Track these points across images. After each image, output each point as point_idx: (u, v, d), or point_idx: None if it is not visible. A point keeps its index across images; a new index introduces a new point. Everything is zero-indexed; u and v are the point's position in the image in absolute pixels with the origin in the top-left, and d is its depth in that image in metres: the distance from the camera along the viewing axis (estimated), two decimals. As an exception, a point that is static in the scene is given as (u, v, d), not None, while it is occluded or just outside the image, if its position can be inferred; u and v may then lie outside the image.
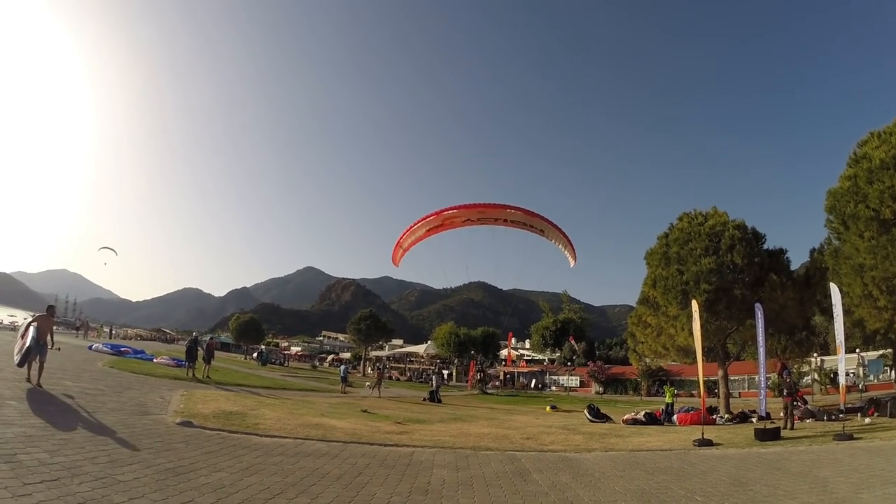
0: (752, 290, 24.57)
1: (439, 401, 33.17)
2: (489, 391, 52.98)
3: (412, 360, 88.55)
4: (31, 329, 13.22)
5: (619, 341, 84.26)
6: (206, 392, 19.53)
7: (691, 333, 22.39)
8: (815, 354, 41.19)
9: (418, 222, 30.02)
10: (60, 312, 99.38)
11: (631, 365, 52.51)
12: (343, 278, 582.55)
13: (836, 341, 17.99)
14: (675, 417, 23.15)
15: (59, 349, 15.38)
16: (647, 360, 39.66)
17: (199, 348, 27.34)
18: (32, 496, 5.67)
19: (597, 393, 60.03)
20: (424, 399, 33.83)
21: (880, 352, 40.46)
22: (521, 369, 77.66)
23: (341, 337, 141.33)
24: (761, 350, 23.49)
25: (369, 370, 50.06)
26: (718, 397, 27.68)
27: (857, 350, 40.15)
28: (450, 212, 29.37)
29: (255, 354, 69.07)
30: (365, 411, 21.03)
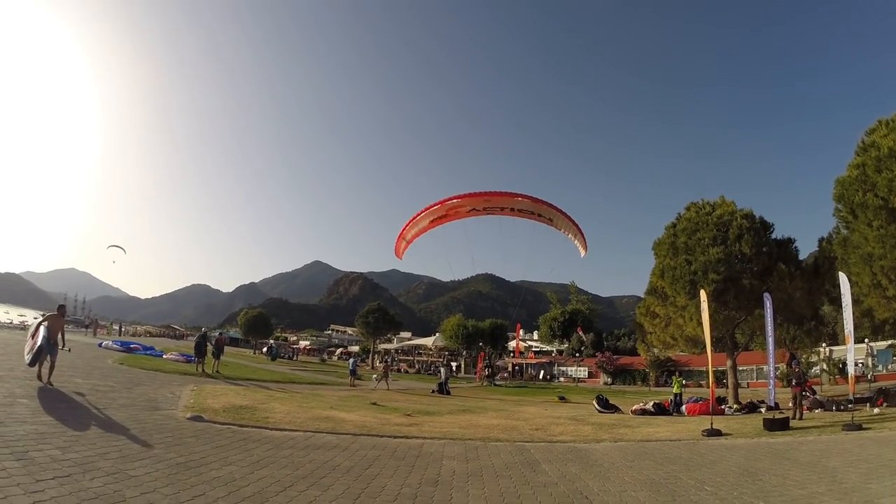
0: (761, 280, 24.45)
1: (448, 393, 33.23)
2: (498, 383, 53.00)
3: (420, 353, 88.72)
4: (42, 328, 13.26)
5: (627, 332, 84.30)
6: (215, 387, 19.63)
7: (700, 323, 22.33)
8: (824, 344, 40.98)
9: (422, 212, 29.45)
10: (70, 311, 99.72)
11: (639, 355, 52.43)
12: (351, 272, 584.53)
13: (845, 331, 17.85)
14: (683, 408, 23.09)
15: (69, 350, 15.42)
16: (656, 351, 39.58)
17: (208, 344, 27.45)
18: (45, 492, 5.71)
19: (605, 384, 60.01)
20: (433, 391, 33.88)
21: (889, 342, 40.21)
22: (529, 361, 77.68)
23: (349, 330, 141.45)
24: (770, 340, 23.39)
25: (378, 363, 50.26)
26: (727, 387, 27.59)
27: (866, 340, 39.93)
28: (454, 201, 28.66)
29: (265, 349, 69.27)
30: (374, 404, 21.08)
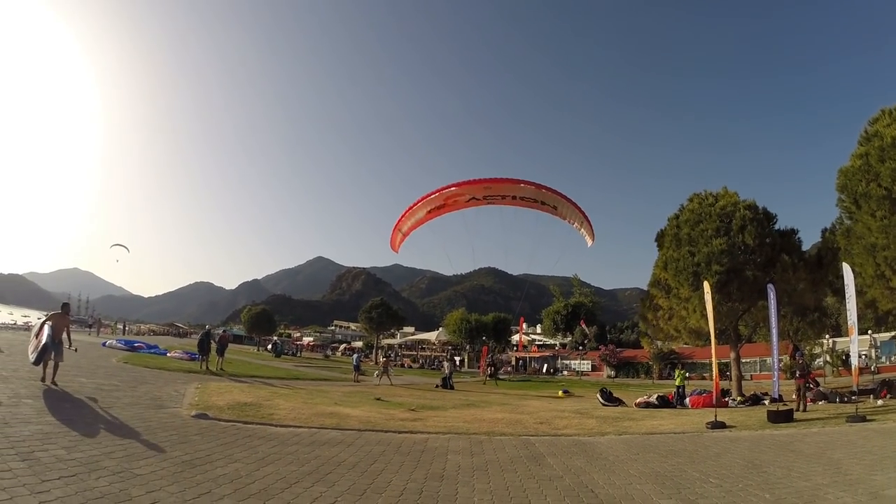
0: (764, 271, 24.39)
1: (452, 387, 33.26)
2: (501, 377, 53.02)
3: (424, 348, 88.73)
4: (46, 327, 13.20)
5: (630, 325, 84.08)
6: (220, 384, 19.67)
7: (703, 315, 22.34)
8: (828, 336, 40.94)
9: (418, 203, 27.88)
10: (73, 311, 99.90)
11: (642, 348, 52.37)
12: (353, 267, 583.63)
13: (849, 322, 17.83)
14: (687, 400, 23.11)
15: (76, 349, 15.43)
16: (659, 343, 39.55)
17: (211, 341, 27.51)
18: (51, 492, 5.72)
19: (608, 377, 59.94)
20: (437, 386, 33.90)
21: (893, 333, 40.11)
22: (532, 354, 77.67)
23: (353, 326, 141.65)
24: (774, 331, 23.30)
25: (381, 358, 50.45)
26: (731, 380, 27.57)
27: (870, 331, 39.87)
28: (452, 189, 27.05)
29: (269, 346, 69.41)
30: (378, 399, 21.11)
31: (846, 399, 20.87)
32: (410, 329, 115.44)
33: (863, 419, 14.96)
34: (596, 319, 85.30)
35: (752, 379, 42.99)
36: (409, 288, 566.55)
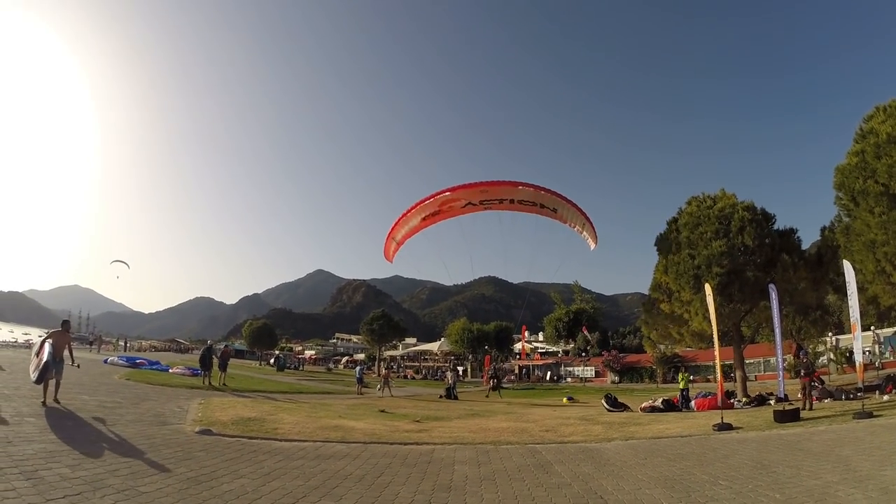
0: (765, 272, 24.39)
1: (456, 397, 33.17)
2: (505, 385, 52.85)
3: (426, 358, 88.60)
4: (47, 345, 13.08)
5: (632, 329, 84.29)
6: (223, 399, 19.60)
7: (706, 318, 22.29)
8: (830, 334, 40.92)
9: (412, 209, 26.63)
10: (74, 328, 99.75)
11: (645, 353, 52.31)
12: (353, 280, 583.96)
13: (851, 319, 17.83)
14: (692, 403, 23.01)
15: (78, 366, 15.36)
16: (662, 347, 39.47)
17: (213, 356, 27.45)
18: (56, 511, 5.69)
19: (612, 382, 59.84)
20: (441, 396, 33.79)
21: (895, 328, 40.17)
22: (535, 362, 77.51)
23: (354, 338, 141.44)
24: (777, 331, 23.33)
25: (382, 370, 50.29)
26: (735, 381, 27.50)
27: (872, 327, 39.88)
28: (446, 194, 25.73)
29: (272, 360, 69.31)
30: (383, 411, 21.03)
31: (852, 396, 20.81)
32: (412, 340, 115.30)
33: (870, 415, 14.91)
34: (598, 325, 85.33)
35: (756, 379, 42.96)
36: (410, 299, 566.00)
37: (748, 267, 24.28)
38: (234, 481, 7.72)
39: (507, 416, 21.46)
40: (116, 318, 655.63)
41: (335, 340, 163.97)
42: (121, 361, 32.69)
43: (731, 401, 22.47)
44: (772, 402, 21.85)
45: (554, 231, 28.19)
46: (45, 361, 12.56)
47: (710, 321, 18.78)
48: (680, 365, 51.57)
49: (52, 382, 12.94)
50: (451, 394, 33.56)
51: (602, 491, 7.84)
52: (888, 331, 42.05)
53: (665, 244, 27.79)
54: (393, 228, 27.60)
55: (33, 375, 13.03)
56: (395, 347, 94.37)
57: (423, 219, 26.80)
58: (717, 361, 19.04)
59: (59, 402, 12.86)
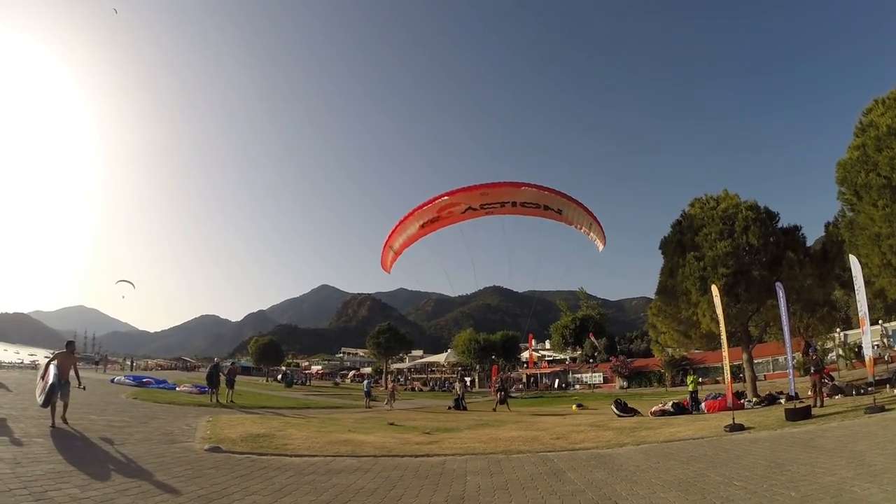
0: (771, 270, 24.36)
1: (465, 408, 33.05)
2: (513, 395, 52.63)
3: (433, 370, 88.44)
4: (52, 367, 13.06)
5: (639, 334, 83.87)
6: (231, 416, 19.55)
7: (713, 319, 22.24)
8: (838, 330, 40.79)
9: (409, 216, 25.37)
10: (80, 348, 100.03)
11: (653, 357, 52.18)
12: (358, 293, 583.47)
13: (860, 313, 17.73)
14: (702, 405, 22.91)
15: (84, 388, 15.30)
16: (670, 351, 39.32)
17: (220, 374, 27.40)
18: (68, 533, 5.65)
19: (621, 388, 59.67)
20: (450, 407, 33.70)
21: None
22: (543, 370, 77.33)
23: (360, 352, 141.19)
24: (786, 329, 23.25)
25: (389, 383, 50.16)
26: (744, 381, 27.40)
27: (880, 321, 39.75)
28: (444, 199, 24.41)
29: (279, 376, 69.32)
30: (392, 424, 20.93)
31: (862, 391, 20.75)
32: (419, 352, 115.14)
33: (881, 409, 14.83)
34: (604, 331, 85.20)
35: (765, 379, 42.87)
36: (416, 311, 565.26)
37: (754, 266, 24.26)
38: (245, 498, 7.68)
39: (517, 425, 21.35)
40: (122, 337, 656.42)
41: (342, 355, 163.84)
42: (128, 381, 32.63)
43: (742, 401, 22.38)
44: (782, 400, 21.74)
45: (559, 236, 27.51)
46: (51, 384, 12.52)
47: (717, 322, 18.71)
48: (688, 367, 51.44)
49: (59, 404, 12.89)
50: (459, 404, 33.45)
51: (616, 496, 7.77)
52: (895, 324, 41.98)
53: (670, 247, 27.82)
54: (390, 236, 26.47)
55: (39, 399, 13.00)
56: (402, 360, 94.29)
57: (422, 226, 25.71)
58: (726, 362, 18.98)
59: (67, 422, 12.83)
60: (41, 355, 61.27)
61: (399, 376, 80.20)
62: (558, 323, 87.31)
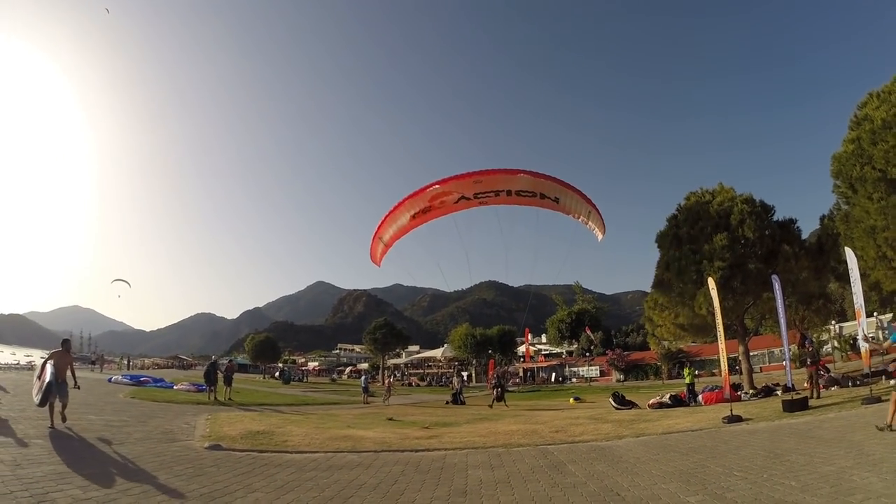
0: (766, 263, 24.45)
1: (463, 402, 33.06)
2: (510, 389, 52.66)
3: (430, 365, 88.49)
4: (49, 366, 12.92)
5: (635, 327, 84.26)
6: (230, 414, 19.55)
7: (709, 311, 22.32)
8: (833, 322, 40.98)
9: (400, 205, 24.27)
10: (76, 348, 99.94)
11: (649, 350, 52.35)
12: (354, 290, 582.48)
13: (855, 305, 17.84)
14: (700, 397, 23.01)
15: (78, 387, 15.20)
16: (667, 343, 39.48)
17: (217, 371, 27.37)
18: (73, 532, 5.64)
19: (617, 381, 59.84)
20: (447, 402, 33.71)
21: (897, 313, 40.24)
22: (540, 364, 77.46)
23: (357, 348, 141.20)
24: (782, 321, 23.32)
25: (386, 379, 50.26)
26: (741, 374, 27.52)
27: (875, 313, 39.92)
28: (436, 188, 23.28)
29: (277, 373, 69.22)
30: (391, 419, 20.94)
31: (858, 382, 20.84)
32: (415, 348, 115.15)
33: (878, 400, 14.93)
34: (601, 325, 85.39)
35: (761, 371, 43.03)
36: (411, 307, 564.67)
37: (750, 259, 24.36)
38: (248, 495, 7.66)
39: (516, 418, 21.37)
40: (118, 336, 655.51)
41: (338, 351, 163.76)
42: (125, 380, 32.59)
43: (739, 393, 22.48)
44: (778, 392, 21.84)
45: (555, 227, 27.38)
46: (48, 383, 12.37)
47: (713, 315, 18.78)
48: (685, 360, 51.63)
49: (57, 404, 12.79)
50: (457, 399, 33.46)
51: (618, 488, 7.80)
52: (891, 316, 42.11)
53: (666, 240, 27.88)
54: (380, 227, 25.34)
55: (36, 399, 12.84)
56: (399, 356, 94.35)
57: (413, 216, 24.63)
58: (723, 355, 19.04)
59: (65, 423, 12.75)
60: (37, 356, 61.10)
61: (395, 372, 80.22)
62: (554, 317, 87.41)
